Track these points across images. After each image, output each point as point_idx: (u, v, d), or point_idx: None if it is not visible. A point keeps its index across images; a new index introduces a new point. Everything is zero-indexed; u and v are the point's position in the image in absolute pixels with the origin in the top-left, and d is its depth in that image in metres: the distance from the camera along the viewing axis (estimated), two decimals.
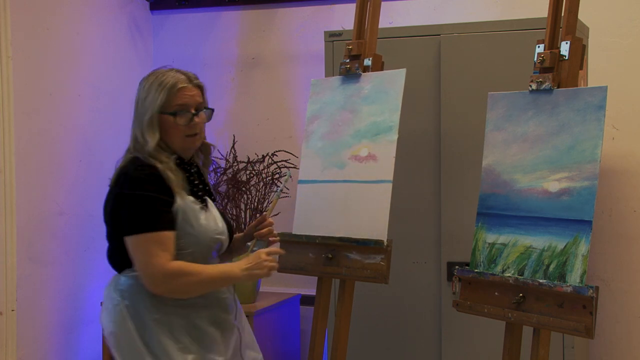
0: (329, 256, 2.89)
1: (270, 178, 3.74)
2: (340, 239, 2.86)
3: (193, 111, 2.34)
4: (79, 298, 3.72)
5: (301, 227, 3.01)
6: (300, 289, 3.89)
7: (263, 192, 3.73)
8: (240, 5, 4.12)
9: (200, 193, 2.38)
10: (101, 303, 2.42)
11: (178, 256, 2.25)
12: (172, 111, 2.30)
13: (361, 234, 2.82)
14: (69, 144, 3.70)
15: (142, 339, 2.23)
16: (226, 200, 3.73)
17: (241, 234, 2.63)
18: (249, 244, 2.56)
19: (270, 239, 2.55)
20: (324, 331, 3.02)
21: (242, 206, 3.72)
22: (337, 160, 2.97)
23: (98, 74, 3.90)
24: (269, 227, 2.54)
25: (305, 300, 3.86)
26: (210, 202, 2.41)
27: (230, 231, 2.47)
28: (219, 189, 3.88)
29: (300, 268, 2.98)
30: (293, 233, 3.02)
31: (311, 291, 3.40)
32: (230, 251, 2.56)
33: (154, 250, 2.17)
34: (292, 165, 3.76)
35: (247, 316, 3.45)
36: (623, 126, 3.52)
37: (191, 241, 2.28)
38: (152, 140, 2.27)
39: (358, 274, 2.82)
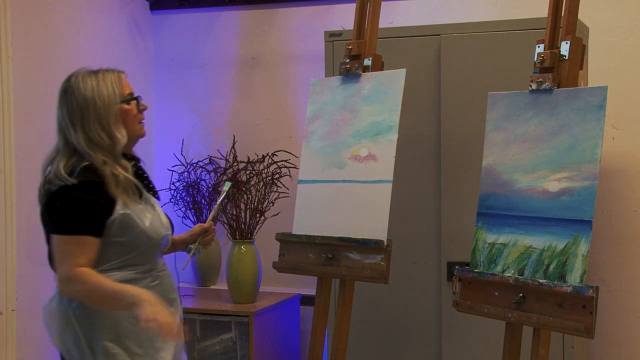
0: (329, 256, 2.89)
1: (270, 178, 3.74)
2: (340, 239, 2.86)
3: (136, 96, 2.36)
4: None
5: (301, 227, 3.01)
6: (300, 289, 3.89)
7: (263, 192, 3.73)
8: (240, 5, 4.12)
9: (150, 192, 2.37)
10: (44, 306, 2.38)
11: (128, 259, 2.25)
12: (127, 99, 2.30)
13: (361, 234, 2.82)
14: None
15: (89, 344, 2.23)
16: (226, 200, 3.73)
17: (183, 235, 2.61)
18: (190, 246, 2.58)
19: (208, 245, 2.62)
20: (324, 331, 3.02)
21: (242, 206, 3.72)
22: (337, 160, 2.97)
23: None
24: (213, 234, 2.61)
25: (305, 300, 3.86)
26: (152, 199, 2.38)
27: (172, 225, 2.47)
28: (219, 188, 3.89)
29: (300, 268, 2.98)
30: (293, 233, 3.03)
31: (311, 291, 3.40)
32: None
33: (70, 253, 2.17)
34: (292, 165, 3.76)
35: (246, 316, 3.49)
36: (623, 126, 3.52)
37: (139, 242, 2.26)
38: (122, 136, 2.26)
39: (358, 274, 2.82)
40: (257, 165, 3.81)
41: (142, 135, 2.39)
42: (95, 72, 2.30)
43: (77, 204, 2.18)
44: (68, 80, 2.30)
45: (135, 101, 2.33)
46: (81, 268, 2.17)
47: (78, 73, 2.30)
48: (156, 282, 2.32)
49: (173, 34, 4.28)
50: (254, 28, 4.12)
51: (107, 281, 2.20)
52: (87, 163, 2.21)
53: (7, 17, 3.31)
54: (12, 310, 3.32)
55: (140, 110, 2.35)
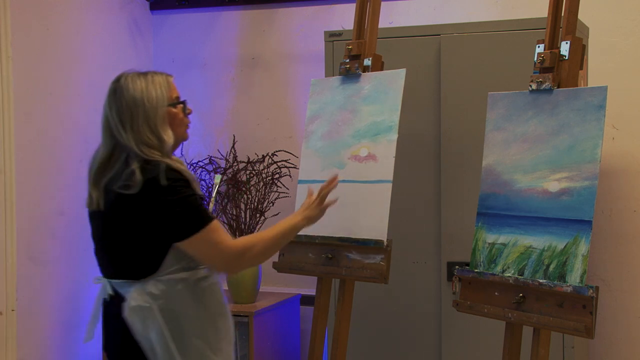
0: (328, 256, 2.89)
1: (270, 178, 3.74)
2: (340, 239, 2.86)
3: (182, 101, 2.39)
4: (79, 298, 3.72)
5: None
6: (300, 289, 3.89)
7: (263, 192, 3.73)
8: (240, 5, 4.12)
9: None
10: (120, 305, 2.37)
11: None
12: (174, 103, 2.33)
13: (361, 234, 2.82)
14: (69, 144, 3.70)
15: (175, 340, 2.23)
16: (226, 200, 3.73)
17: None
18: None
19: None
20: (324, 331, 3.02)
21: (242, 206, 3.72)
22: (337, 160, 2.97)
23: (98, 74, 3.89)
24: None
25: (305, 300, 3.86)
26: None
27: None
28: (219, 188, 3.89)
29: (300, 268, 2.98)
30: None
31: (311, 291, 3.40)
32: None
33: (218, 237, 2.23)
34: (292, 165, 3.76)
35: (246, 316, 3.49)
36: (623, 126, 3.52)
37: None
38: (168, 137, 2.27)
39: (358, 274, 2.82)
40: (257, 165, 3.81)
41: (186, 139, 2.40)
42: (144, 74, 2.31)
43: (188, 200, 2.20)
44: (117, 80, 2.30)
45: (181, 105, 2.35)
46: (236, 239, 2.27)
47: (127, 74, 2.31)
48: (218, 279, 2.35)
49: (173, 34, 4.28)
50: (254, 28, 4.12)
51: (263, 232, 2.36)
52: (163, 163, 2.22)
53: (7, 17, 3.31)
54: (12, 310, 3.32)
55: (186, 114, 2.37)
